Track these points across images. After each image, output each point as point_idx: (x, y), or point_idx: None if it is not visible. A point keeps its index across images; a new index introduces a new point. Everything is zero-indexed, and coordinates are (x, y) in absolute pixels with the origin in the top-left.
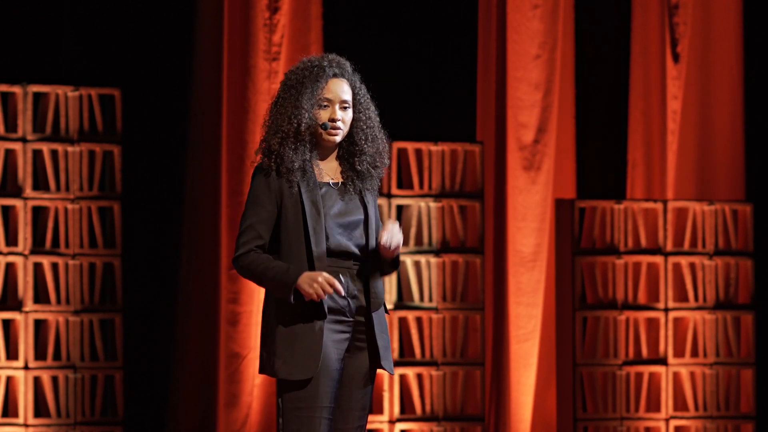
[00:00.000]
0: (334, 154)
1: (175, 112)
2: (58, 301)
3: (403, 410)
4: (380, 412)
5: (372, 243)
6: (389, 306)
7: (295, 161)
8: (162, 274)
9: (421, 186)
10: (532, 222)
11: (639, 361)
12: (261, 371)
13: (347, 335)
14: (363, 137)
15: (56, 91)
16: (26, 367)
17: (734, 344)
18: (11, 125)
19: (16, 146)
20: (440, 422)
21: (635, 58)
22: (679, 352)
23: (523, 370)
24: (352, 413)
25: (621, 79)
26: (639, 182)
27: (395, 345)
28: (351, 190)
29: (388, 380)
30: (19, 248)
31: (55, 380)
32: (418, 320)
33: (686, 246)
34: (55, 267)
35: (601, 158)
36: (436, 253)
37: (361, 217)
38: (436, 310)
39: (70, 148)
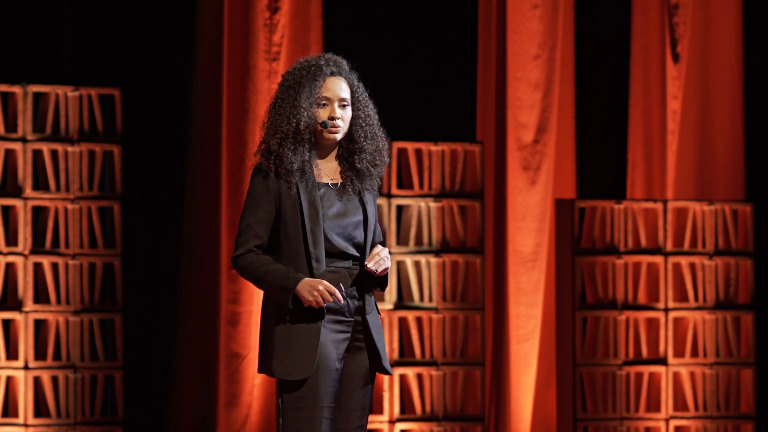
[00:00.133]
0: (334, 153)
1: (175, 112)
2: (58, 301)
3: (403, 410)
4: (380, 412)
5: (370, 243)
6: (389, 306)
7: (294, 162)
8: (162, 274)
9: (421, 186)
10: (531, 222)
11: (639, 361)
12: (259, 371)
13: (347, 335)
14: (362, 135)
15: (56, 91)
16: (26, 367)
17: (734, 344)
18: (11, 125)
19: (16, 146)
20: (440, 422)
21: (635, 58)
22: (679, 352)
23: (523, 370)
24: (352, 413)
25: (621, 79)
26: (639, 182)
27: (395, 345)
28: (350, 190)
29: (388, 380)
30: (19, 248)
31: (55, 380)
32: (418, 320)
33: (686, 246)
34: (55, 267)
35: (601, 158)
36: (436, 253)
37: (360, 217)
38: (436, 310)
39: (70, 148)
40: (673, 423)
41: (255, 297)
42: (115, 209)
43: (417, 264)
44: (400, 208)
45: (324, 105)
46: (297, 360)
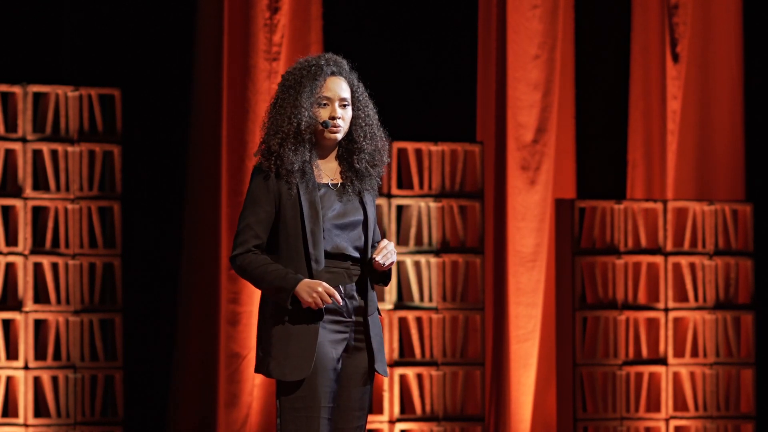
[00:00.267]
0: (334, 153)
1: (175, 112)
2: (58, 301)
3: (403, 410)
4: (380, 412)
5: (370, 244)
6: (389, 306)
7: (295, 163)
8: (162, 274)
9: (421, 186)
10: (531, 222)
11: (639, 361)
12: (257, 371)
13: (345, 335)
14: (362, 135)
15: (56, 91)
16: (26, 367)
17: (734, 344)
18: (11, 125)
19: (16, 146)
20: (440, 422)
21: (635, 58)
22: (679, 352)
23: (523, 370)
24: (351, 413)
25: (621, 79)
26: (639, 182)
27: (395, 345)
28: (350, 191)
29: (388, 380)
30: (19, 248)
31: (55, 380)
32: (418, 320)
33: (686, 246)
34: (55, 267)
35: (601, 158)
36: (436, 253)
37: (360, 218)
38: (436, 310)
39: (70, 148)
40: (673, 423)
41: (255, 297)
42: (115, 209)
43: (417, 264)
44: (400, 208)
45: (325, 105)
46: (295, 361)
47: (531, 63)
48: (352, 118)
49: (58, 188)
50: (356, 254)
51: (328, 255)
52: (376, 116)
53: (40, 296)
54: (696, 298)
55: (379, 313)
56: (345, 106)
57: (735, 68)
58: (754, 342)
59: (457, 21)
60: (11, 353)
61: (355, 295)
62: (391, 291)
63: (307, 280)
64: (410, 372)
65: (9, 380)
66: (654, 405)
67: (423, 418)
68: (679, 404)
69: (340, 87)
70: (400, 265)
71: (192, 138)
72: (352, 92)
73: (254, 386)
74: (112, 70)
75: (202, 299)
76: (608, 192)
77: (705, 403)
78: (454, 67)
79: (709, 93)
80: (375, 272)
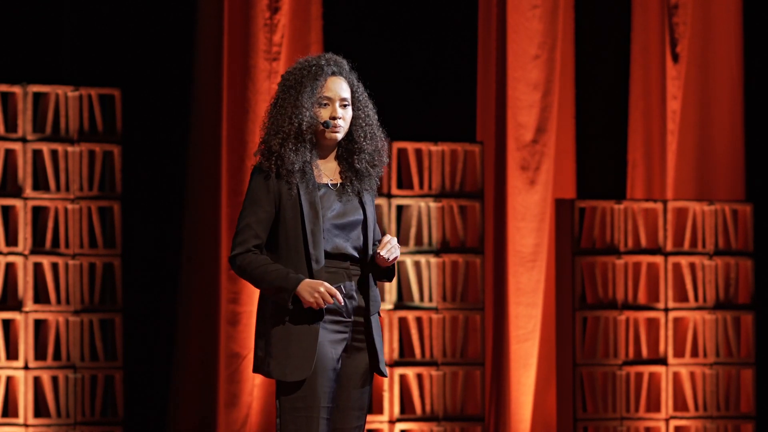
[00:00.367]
0: (333, 153)
1: (175, 112)
2: (58, 301)
3: (403, 410)
4: (380, 412)
5: (370, 244)
6: (389, 306)
7: (296, 163)
8: (162, 274)
9: (421, 186)
10: (531, 222)
11: (639, 361)
12: (255, 371)
13: (345, 335)
14: (362, 135)
15: (56, 91)
16: (26, 367)
17: (734, 344)
18: (11, 125)
19: (16, 146)
20: (440, 422)
21: (635, 58)
22: (679, 352)
23: (523, 370)
24: (350, 413)
25: (621, 79)
26: (639, 182)
27: (395, 345)
28: (349, 191)
29: (388, 380)
30: (19, 248)
31: (55, 380)
32: (418, 320)
33: (686, 246)
34: (55, 267)
35: (601, 158)
36: (436, 253)
37: (360, 218)
38: (436, 310)
39: (70, 148)
40: (673, 423)
41: (255, 297)
42: (115, 209)
43: (417, 264)
44: (400, 208)
45: (325, 105)
46: (295, 361)
47: (531, 63)
48: (353, 118)
49: (58, 188)
50: (355, 254)
51: (328, 255)
52: (376, 116)
53: (40, 296)
54: (696, 298)
55: (379, 314)
56: (345, 106)
57: (735, 68)
58: (754, 342)
59: (457, 21)
60: (11, 353)
61: (355, 294)
62: (391, 291)
63: (308, 280)
64: (410, 372)
65: (9, 380)
66: (654, 405)
67: (423, 418)
68: (679, 404)
69: (340, 87)
70: (400, 265)
71: (192, 138)
72: (352, 92)
73: (254, 386)
74: (112, 70)
75: (202, 299)
76: (608, 192)
77: (705, 403)
78: (454, 67)
79: (709, 93)
80: (378, 268)
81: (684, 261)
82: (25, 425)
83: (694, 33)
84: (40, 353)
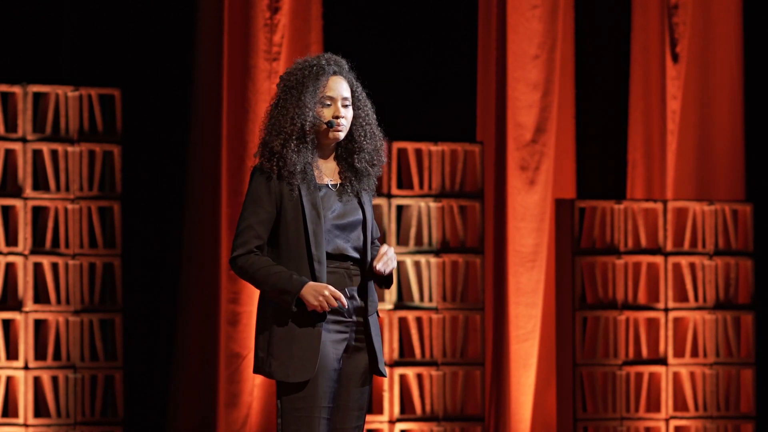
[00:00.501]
0: (333, 153)
1: (175, 112)
2: (58, 301)
3: (403, 410)
4: (380, 412)
5: (369, 245)
6: (389, 306)
7: (298, 164)
8: (162, 274)
9: (421, 186)
10: (531, 222)
11: (639, 361)
12: (256, 371)
13: (346, 335)
14: (362, 134)
15: (56, 91)
16: (26, 367)
17: (734, 344)
18: (11, 125)
19: (16, 146)
20: (440, 422)
21: (635, 58)
22: (679, 352)
23: (523, 370)
24: (350, 413)
25: (621, 79)
26: (639, 182)
27: (395, 345)
28: (349, 191)
29: (388, 380)
30: (19, 248)
31: (55, 380)
32: (418, 320)
33: (686, 246)
34: (55, 267)
35: (601, 158)
36: (436, 253)
37: (359, 218)
38: (436, 310)
39: (70, 148)
40: (673, 423)
41: (255, 297)
42: (115, 209)
43: (417, 264)
44: (400, 208)
45: (328, 104)
46: (298, 362)
47: (531, 63)
48: (353, 117)
49: (58, 188)
50: (356, 255)
51: (329, 256)
52: (375, 116)
53: (40, 296)
54: (696, 298)
55: (378, 314)
56: (347, 105)
57: (735, 68)
58: (754, 342)
59: (457, 21)
60: (11, 353)
61: (356, 295)
62: (391, 291)
63: (312, 283)
64: (410, 372)
65: (9, 380)
66: (654, 405)
67: (423, 418)
68: (679, 404)
69: (342, 86)
70: (400, 265)
71: (192, 138)
72: (352, 92)
73: (254, 386)
74: (112, 70)
75: (202, 299)
76: (608, 192)
77: (705, 403)
78: (454, 67)
79: (709, 93)
80: (376, 276)
81: (684, 261)
82: (25, 425)
83: (694, 33)
84: (40, 353)
